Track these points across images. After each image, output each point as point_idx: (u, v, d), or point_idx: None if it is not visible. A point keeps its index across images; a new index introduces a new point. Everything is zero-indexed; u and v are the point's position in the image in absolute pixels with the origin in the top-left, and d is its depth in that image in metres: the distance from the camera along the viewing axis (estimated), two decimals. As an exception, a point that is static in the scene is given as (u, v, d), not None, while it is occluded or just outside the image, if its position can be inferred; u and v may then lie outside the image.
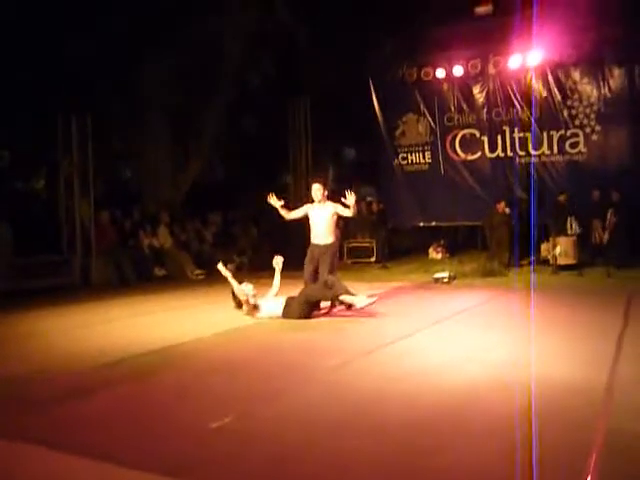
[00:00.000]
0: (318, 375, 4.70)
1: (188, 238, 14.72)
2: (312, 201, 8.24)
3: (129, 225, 13.56)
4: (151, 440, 3.39)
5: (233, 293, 7.88)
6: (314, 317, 7.60)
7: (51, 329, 7.17)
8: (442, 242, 16.11)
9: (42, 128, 13.37)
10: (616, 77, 13.73)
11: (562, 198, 13.22)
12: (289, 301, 7.58)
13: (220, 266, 8.01)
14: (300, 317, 7.41)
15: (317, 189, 8.06)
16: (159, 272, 13.17)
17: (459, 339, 6.03)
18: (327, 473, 2.92)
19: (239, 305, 7.85)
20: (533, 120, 14.52)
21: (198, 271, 13.50)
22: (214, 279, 12.90)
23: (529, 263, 12.85)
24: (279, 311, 7.56)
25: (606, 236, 12.30)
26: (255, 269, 14.23)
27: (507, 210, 13.58)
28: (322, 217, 8.02)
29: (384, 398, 4.08)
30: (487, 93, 15.22)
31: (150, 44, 13.91)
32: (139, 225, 13.70)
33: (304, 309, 7.49)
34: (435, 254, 15.98)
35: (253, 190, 18.05)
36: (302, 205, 8.46)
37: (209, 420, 3.63)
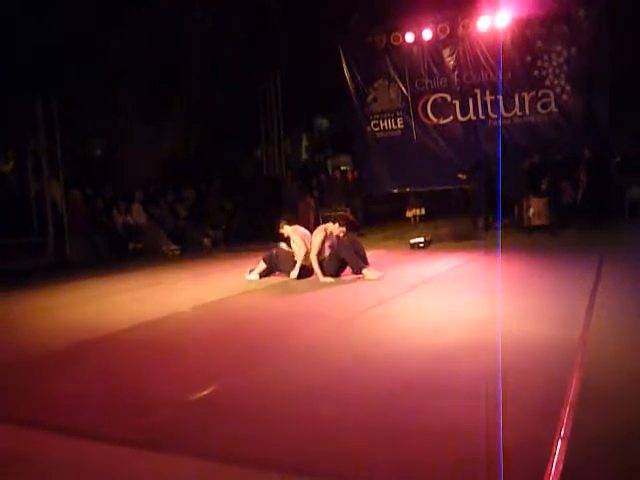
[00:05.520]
0: (297, 344, 4.71)
1: (162, 214, 14.59)
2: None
3: (101, 203, 13.40)
4: (129, 414, 3.37)
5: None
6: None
7: (26, 310, 7.10)
8: (416, 199, 16.31)
9: (8, 110, 13.11)
10: (583, 34, 13.72)
11: (535, 159, 13.29)
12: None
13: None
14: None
15: (337, 228, 8.79)
16: (133, 246, 13.08)
17: (437, 302, 6.08)
18: (307, 442, 2.93)
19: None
20: (500, 82, 14.51)
21: (174, 247, 13.41)
22: (190, 254, 12.88)
23: (502, 225, 12.95)
24: None
25: (579, 195, 12.39)
26: (230, 242, 14.22)
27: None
28: None
29: (364, 364, 4.10)
30: (457, 56, 15.15)
31: (116, 20, 13.62)
32: (112, 203, 13.55)
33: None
34: (411, 212, 16.17)
35: (226, 163, 17.95)
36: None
37: (188, 393, 3.62)
